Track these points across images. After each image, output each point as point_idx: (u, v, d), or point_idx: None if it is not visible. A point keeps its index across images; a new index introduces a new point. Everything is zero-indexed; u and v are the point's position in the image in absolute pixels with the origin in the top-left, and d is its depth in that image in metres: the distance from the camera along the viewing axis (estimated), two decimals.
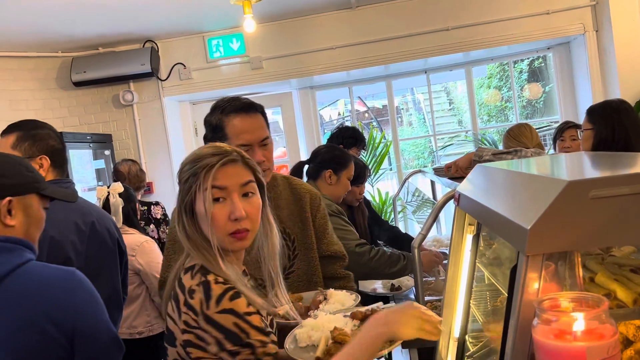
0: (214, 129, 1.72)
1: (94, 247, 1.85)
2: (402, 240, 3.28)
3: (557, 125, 3.79)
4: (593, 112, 2.55)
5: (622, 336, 0.93)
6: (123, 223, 2.90)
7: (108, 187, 2.94)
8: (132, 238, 2.85)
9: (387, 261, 2.45)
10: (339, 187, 2.64)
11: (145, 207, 3.56)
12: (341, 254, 1.93)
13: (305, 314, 1.55)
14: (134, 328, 2.81)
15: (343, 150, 2.75)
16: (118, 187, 2.94)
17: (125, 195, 2.93)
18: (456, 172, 2.56)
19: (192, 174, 1.21)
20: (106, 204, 2.88)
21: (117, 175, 3.75)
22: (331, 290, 1.64)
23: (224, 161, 1.20)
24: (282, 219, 1.78)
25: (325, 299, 1.62)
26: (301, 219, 1.84)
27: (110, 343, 1.31)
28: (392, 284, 2.69)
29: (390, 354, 3.22)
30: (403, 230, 4.83)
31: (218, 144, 1.27)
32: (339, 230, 2.41)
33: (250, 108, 1.71)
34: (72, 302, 1.26)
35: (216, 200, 1.19)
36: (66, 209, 1.77)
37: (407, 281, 2.70)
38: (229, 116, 1.69)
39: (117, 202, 2.87)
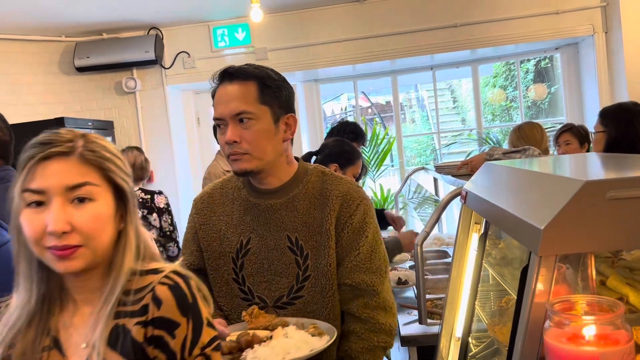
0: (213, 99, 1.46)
1: None
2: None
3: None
4: (605, 115, 2.52)
5: None
6: None
7: None
8: None
9: None
10: None
11: (149, 196, 3.54)
12: (369, 288, 1.38)
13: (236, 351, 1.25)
14: None
15: (353, 146, 2.72)
16: None
17: None
18: (471, 170, 2.54)
19: (19, 167, 0.95)
20: None
21: None
22: (291, 328, 1.29)
23: (45, 154, 0.92)
24: (296, 226, 1.39)
25: (270, 338, 1.26)
26: (321, 230, 1.39)
27: None
28: (400, 278, 2.68)
29: (389, 353, 3.20)
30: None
31: (62, 130, 0.98)
32: None
33: (234, 75, 1.37)
34: None
35: (32, 204, 0.92)
36: (3, 200, 1.74)
37: (414, 277, 2.68)
38: (218, 84, 1.42)
39: None
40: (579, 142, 3.36)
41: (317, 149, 2.78)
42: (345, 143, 2.72)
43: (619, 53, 4.28)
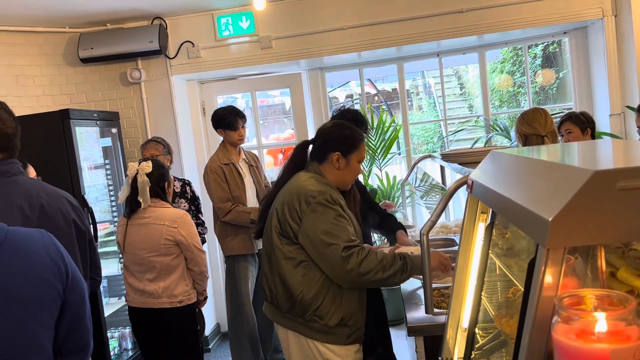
0: None
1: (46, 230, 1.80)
2: (392, 230, 3.01)
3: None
4: None
5: None
6: (155, 197, 3.00)
7: (138, 165, 3.01)
8: (171, 212, 3.00)
9: (378, 265, 2.08)
10: (348, 172, 2.30)
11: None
12: None
13: None
14: (174, 297, 2.97)
15: (353, 128, 2.36)
16: (147, 167, 2.96)
17: (155, 175, 3.02)
18: None
19: None
20: (135, 181, 2.95)
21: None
22: None
23: None
24: None
25: None
26: None
27: (85, 286, 1.40)
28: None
29: (390, 339, 3.16)
30: (410, 216, 4.78)
31: None
32: (332, 225, 2.10)
33: None
34: (60, 254, 1.32)
35: None
36: (10, 194, 1.74)
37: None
38: None
39: (143, 182, 2.94)
40: (580, 130, 3.33)
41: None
42: (344, 126, 2.36)
43: (629, 37, 4.20)
